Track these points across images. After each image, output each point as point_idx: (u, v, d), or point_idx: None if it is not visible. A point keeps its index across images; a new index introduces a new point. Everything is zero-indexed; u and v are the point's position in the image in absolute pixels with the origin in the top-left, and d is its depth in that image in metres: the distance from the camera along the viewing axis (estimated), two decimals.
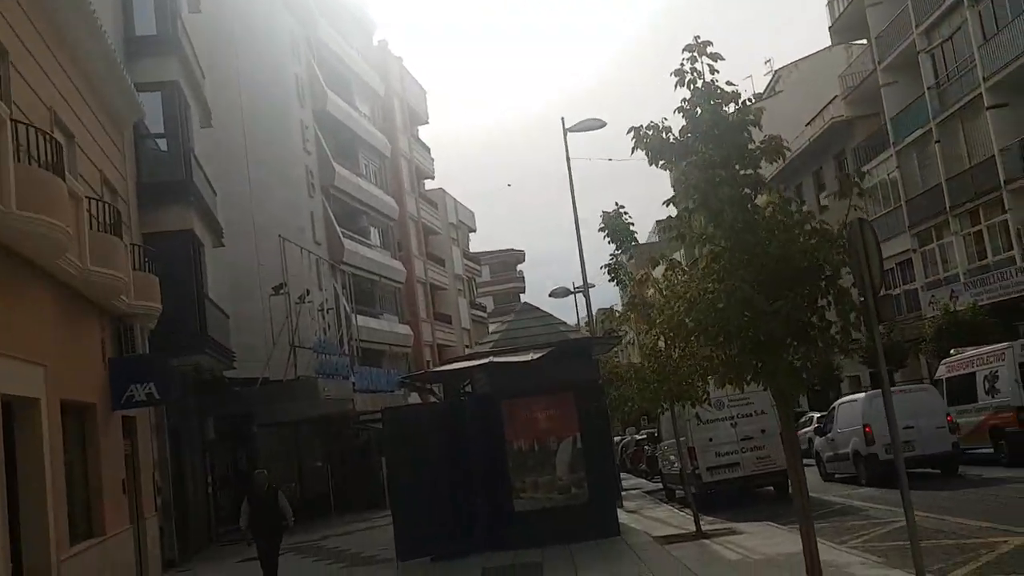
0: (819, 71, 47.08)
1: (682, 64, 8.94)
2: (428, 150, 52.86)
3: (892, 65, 35.12)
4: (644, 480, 32.02)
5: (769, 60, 58.87)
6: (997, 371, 19.73)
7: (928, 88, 32.12)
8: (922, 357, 34.28)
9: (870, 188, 8.75)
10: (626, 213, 13.88)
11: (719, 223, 7.54)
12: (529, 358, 13.93)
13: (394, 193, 43.77)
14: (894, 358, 32.69)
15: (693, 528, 14.27)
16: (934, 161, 32.31)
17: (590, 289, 26.22)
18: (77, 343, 13.32)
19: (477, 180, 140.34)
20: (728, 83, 8.85)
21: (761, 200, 8.35)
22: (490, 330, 29.81)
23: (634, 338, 14.87)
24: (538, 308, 16.93)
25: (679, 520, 17.13)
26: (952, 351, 22.39)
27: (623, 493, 20.73)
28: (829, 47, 46.21)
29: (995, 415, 19.64)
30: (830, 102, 41.45)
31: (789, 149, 8.80)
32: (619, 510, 16.79)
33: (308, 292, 27.43)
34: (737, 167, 8.26)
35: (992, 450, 20.01)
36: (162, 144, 20.69)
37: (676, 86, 8.91)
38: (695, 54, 8.86)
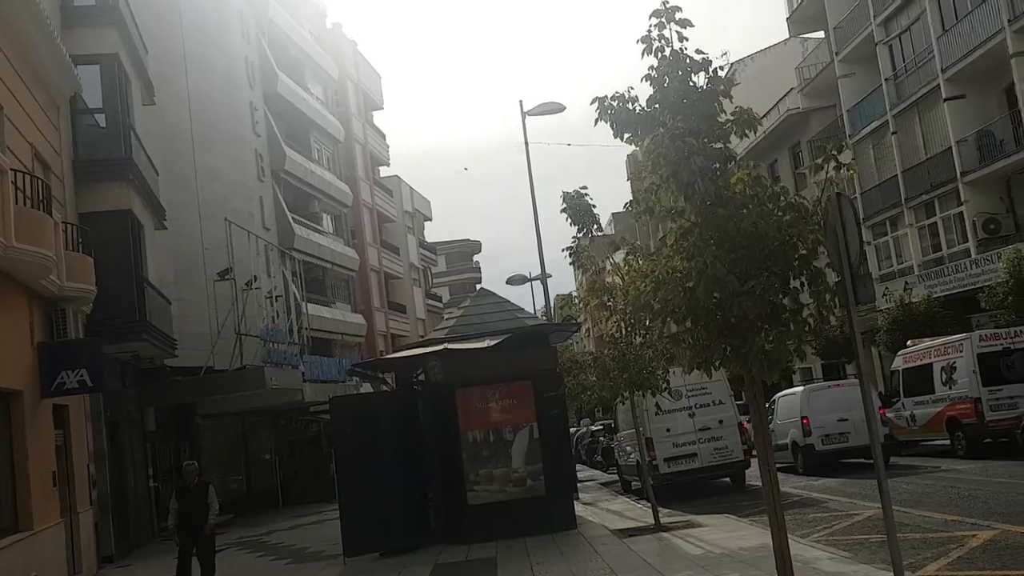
0: (775, 64, 47.09)
1: (649, 31, 8.41)
2: (383, 136, 51.95)
3: (849, 57, 35.11)
4: (599, 472, 31.70)
5: (725, 53, 58.53)
6: (955, 362, 19.63)
7: (885, 79, 32.13)
8: (874, 349, 34.46)
9: (848, 163, 8.28)
10: (587, 195, 13.31)
11: (689, 196, 7.03)
12: (485, 344, 13.38)
13: (347, 179, 42.86)
14: (846, 350, 32.80)
15: (652, 521, 13.84)
16: (890, 153, 32.35)
17: (548, 279, 25.81)
18: (1, 326, 12.46)
19: (434, 169, 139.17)
20: (698, 51, 8.36)
21: (731, 176, 7.88)
22: (445, 318, 29.25)
23: (590, 328, 14.37)
24: (495, 294, 16.37)
25: (636, 513, 16.73)
26: (909, 342, 22.31)
27: (578, 485, 20.30)
28: (785, 40, 46.26)
29: (952, 406, 19.55)
30: (786, 94, 41.42)
31: (761, 124, 8.30)
32: (575, 503, 16.33)
33: (256, 278, 26.53)
34: (707, 140, 7.79)
35: (948, 442, 19.93)
36: (101, 120, 19.73)
37: (643, 54, 8.38)
38: (663, 20, 8.34)
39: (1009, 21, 24.78)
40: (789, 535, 7.95)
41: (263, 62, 34.64)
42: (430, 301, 56.30)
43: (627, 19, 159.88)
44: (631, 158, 66.52)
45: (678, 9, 8.35)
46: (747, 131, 8.03)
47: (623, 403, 15.42)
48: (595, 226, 13.41)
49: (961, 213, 28.33)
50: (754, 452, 10.88)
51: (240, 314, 25.28)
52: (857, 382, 23.31)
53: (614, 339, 13.26)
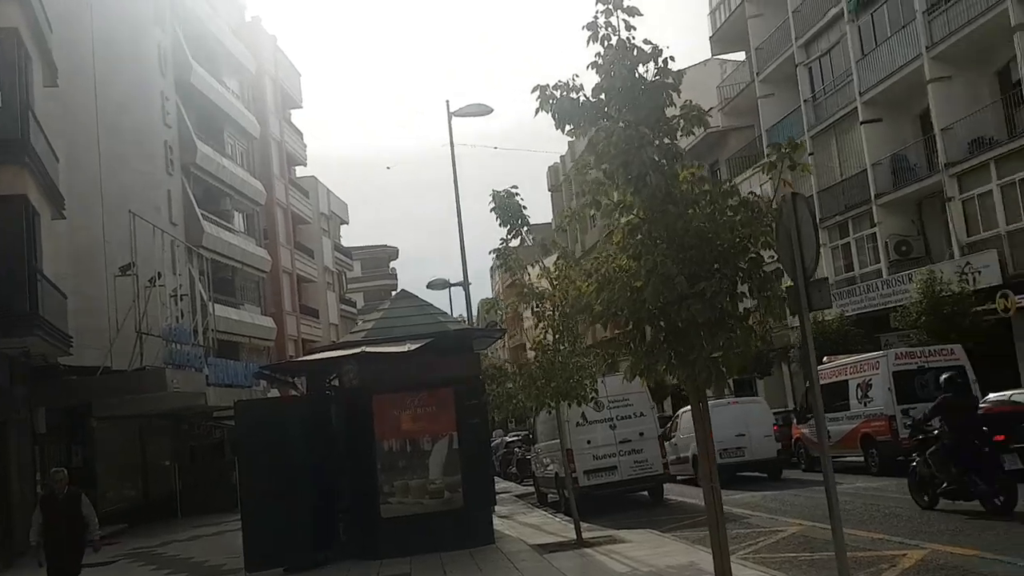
0: (696, 83, 47.35)
1: (595, 16, 7.98)
2: (301, 135, 50.62)
3: (770, 77, 35.65)
4: (514, 483, 31.20)
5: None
6: (871, 380, 19.79)
7: (804, 101, 32.68)
8: (785, 366, 34.93)
9: (801, 165, 7.90)
10: (518, 194, 12.84)
11: (639, 190, 6.57)
12: (405, 348, 12.70)
13: (262, 177, 41.48)
14: (759, 365, 33.19)
15: (573, 536, 13.37)
16: (806, 173, 32.87)
17: (470, 286, 25.19)
18: None
19: (354, 172, 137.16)
20: (646, 41, 7.94)
21: (678, 174, 7.48)
22: (359, 323, 28.37)
23: (506, 336, 13.84)
24: (417, 296, 15.69)
25: (556, 527, 16.25)
26: (825, 359, 22.48)
27: (496, 497, 19.76)
28: (706, 61, 46.82)
29: (867, 423, 19.69)
30: (707, 112, 41.83)
31: (710, 118, 7.92)
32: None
33: (160, 275, 25.19)
34: (653, 135, 7.37)
35: (862, 459, 20.06)
36: None
37: (588, 41, 7.95)
38: (610, 7, 7.91)
39: (927, 48, 25.39)
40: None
41: (176, 51, 33.20)
42: (344, 306, 55.05)
43: (557, 17, 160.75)
44: (552, 170, 66.56)
45: None
46: (695, 128, 7.66)
47: (549, 413, 14.91)
48: (525, 228, 12.97)
49: (874, 234, 28.90)
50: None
51: (142, 312, 23.94)
52: (756, 400, 24.38)
53: (541, 346, 12.79)
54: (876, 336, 27.20)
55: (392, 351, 12.93)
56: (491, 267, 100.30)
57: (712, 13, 41.36)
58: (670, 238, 6.55)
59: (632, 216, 6.79)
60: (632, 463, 18.68)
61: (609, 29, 7.84)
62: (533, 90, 8.02)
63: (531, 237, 13.59)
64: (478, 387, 14.16)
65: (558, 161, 66.67)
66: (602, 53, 7.72)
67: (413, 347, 12.81)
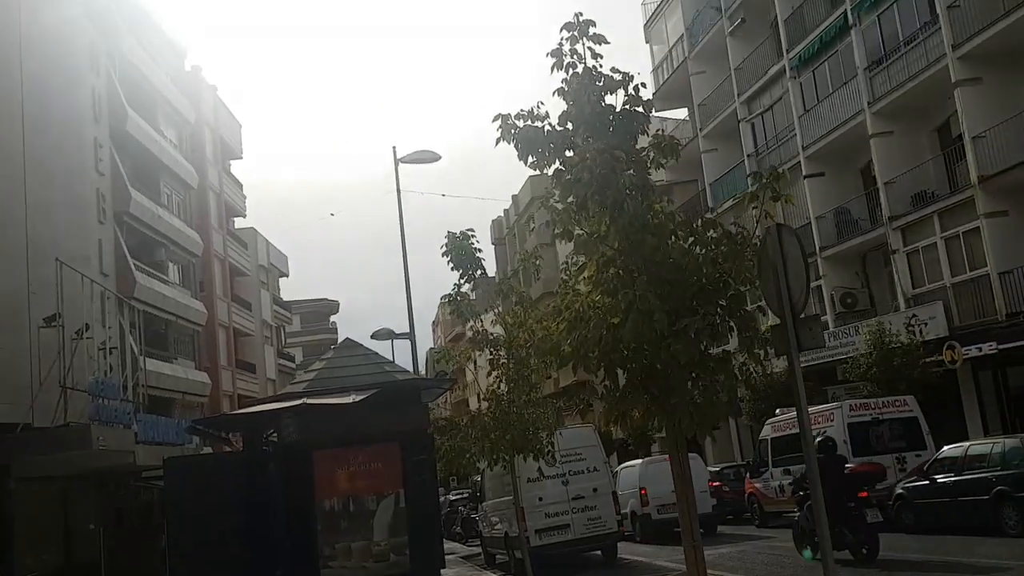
0: None
1: (560, 44, 7.56)
2: (240, 186, 49.57)
3: (713, 132, 36.05)
4: (458, 544, 30.13)
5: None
6: (825, 431, 19.43)
7: (748, 155, 32.99)
8: (732, 420, 34.68)
9: (784, 196, 7.51)
10: (474, 237, 12.31)
11: (615, 218, 6.05)
12: (350, 400, 11.86)
13: (199, 228, 40.33)
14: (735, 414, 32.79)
15: None
16: (751, 226, 33.04)
17: (411, 339, 24.42)
18: None
19: (296, 225, 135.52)
20: (614, 70, 7.53)
21: (654, 206, 7.01)
22: (296, 378, 27.32)
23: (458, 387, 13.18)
24: (361, 345, 14.84)
25: None
26: (778, 410, 22.18)
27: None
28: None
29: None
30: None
31: (680, 153, 7.48)
32: None
33: (88, 327, 23.89)
34: (627, 163, 6.90)
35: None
36: None
37: (553, 68, 7.51)
38: (575, 34, 7.50)
39: (869, 103, 25.78)
40: None
41: (112, 97, 32.23)
42: (282, 361, 53.57)
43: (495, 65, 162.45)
44: (495, 224, 66.40)
45: (591, 24, 7.53)
46: (665, 159, 7.21)
47: (504, 468, 14.15)
48: (479, 272, 12.42)
49: (819, 287, 28.98)
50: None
51: (67, 365, 22.58)
52: (691, 456, 25.56)
53: (495, 396, 12.15)
54: (823, 388, 27.08)
55: (335, 403, 12.09)
56: (432, 321, 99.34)
57: (655, 70, 41.90)
58: (648, 271, 6.02)
59: (606, 247, 6.26)
60: (586, 520, 17.97)
61: (575, 57, 7.43)
62: (494, 119, 7.52)
63: (483, 284, 13.04)
64: (427, 441, 13.35)
65: (502, 215, 66.64)
66: (568, 80, 7.28)
67: (358, 398, 11.97)
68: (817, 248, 28.64)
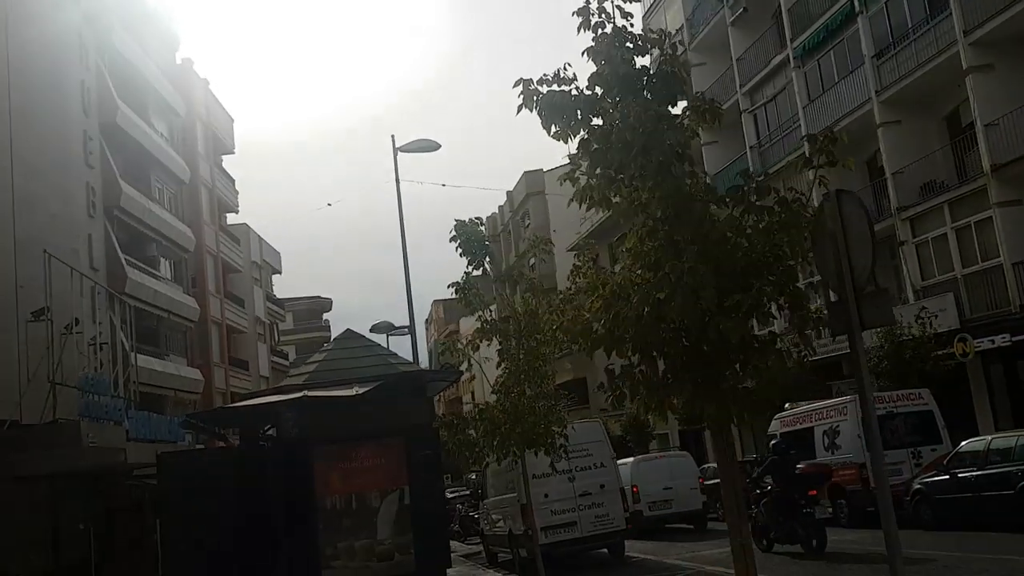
0: None
1: (587, 1, 6.98)
2: (233, 181, 48.87)
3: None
4: (456, 542, 29.54)
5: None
6: (838, 426, 18.99)
7: (750, 147, 32.48)
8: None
9: (841, 160, 6.97)
10: (482, 225, 11.77)
11: (660, 182, 5.47)
12: (353, 392, 11.29)
13: (191, 223, 39.65)
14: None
15: None
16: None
17: (406, 337, 23.86)
18: None
19: (287, 221, 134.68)
20: (649, 30, 6.98)
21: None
22: (290, 374, 26.70)
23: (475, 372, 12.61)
24: (363, 336, 14.27)
25: None
26: (787, 404, 21.67)
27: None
28: None
29: (835, 472, 18.77)
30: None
31: (722, 117, 6.90)
32: None
33: (77, 321, 23.26)
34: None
35: (831, 510, 19.07)
36: None
37: (580, 28, 6.93)
38: None
39: (877, 92, 25.28)
40: None
41: (102, 90, 31.57)
42: (275, 358, 52.91)
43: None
44: (490, 220, 65.83)
45: None
46: (706, 123, 6.64)
47: (515, 462, 13.55)
48: (487, 259, 11.85)
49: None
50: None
51: (56, 361, 21.95)
52: (682, 454, 25.65)
53: (504, 387, 11.59)
54: (828, 384, 26.59)
55: (338, 395, 11.51)
56: (426, 319, 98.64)
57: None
58: (695, 242, 5.46)
59: (647, 216, 5.68)
60: (593, 518, 17.42)
61: (603, 16, 6.86)
62: (515, 84, 6.94)
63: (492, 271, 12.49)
64: (432, 435, 12.79)
65: (496, 212, 66.10)
66: (597, 39, 6.71)
67: (361, 390, 11.40)
68: None
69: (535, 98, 6.86)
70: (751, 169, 32.01)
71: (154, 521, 24.30)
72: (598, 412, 44.73)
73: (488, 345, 11.86)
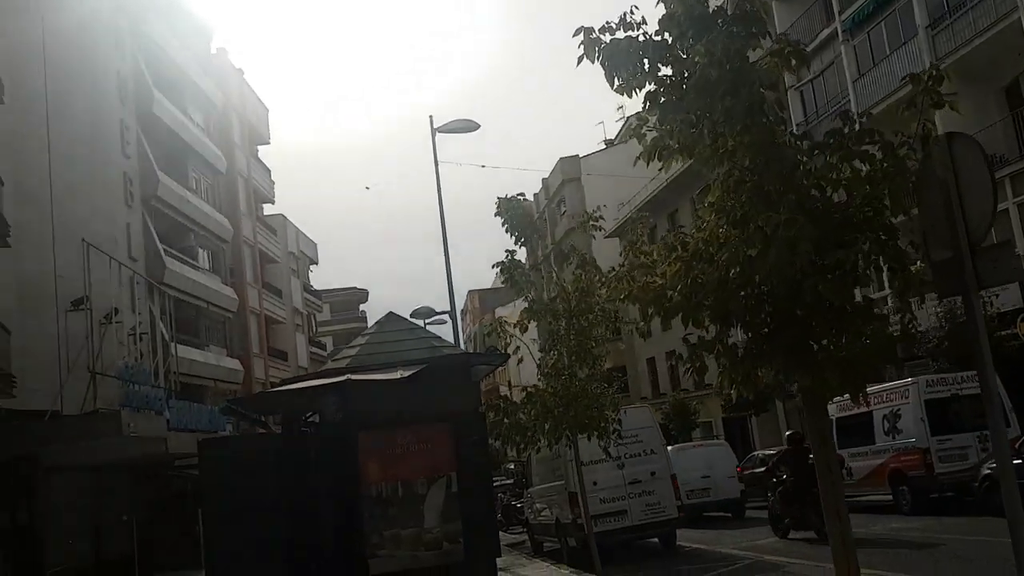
0: None
1: None
2: (268, 172, 48.77)
3: None
4: (500, 532, 29.15)
5: (622, 107, 58.74)
6: (899, 409, 18.19)
7: (797, 124, 31.49)
8: (778, 401, 33.31)
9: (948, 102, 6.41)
10: (526, 200, 11.24)
11: (749, 127, 4.88)
12: (398, 375, 10.82)
13: (228, 213, 39.56)
14: (755, 404, 31.71)
15: None
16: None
17: (444, 325, 23.50)
18: None
19: (322, 216, 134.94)
20: None
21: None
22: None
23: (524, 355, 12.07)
24: (405, 319, 13.81)
25: None
26: None
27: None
28: None
29: (896, 457, 18.05)
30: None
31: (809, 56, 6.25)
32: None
33: (117, 311, 23.14)
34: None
35: (891, 497, 18.35)
36: None
37: None
38: None
39: (932, 64, 24.27)
40: None
41: (138, 79, 31.44)
42: (314, 349, 52.86)
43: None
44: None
45: None
46: (790, 69, 6.01)
47: (568, 447, 13.03)
48: (535, 236, 11.30)
49: (879, 259, 27.56)
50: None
51: (96, 350, 21.82)
52: (720, 443, 25.04)
53: (555, 370, 11.06)
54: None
55: (382, 378, 11.05)
56: (461, 309, 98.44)
57: None
58: (788, 191, 4.86)
59: (732, 165, 5.09)
60: (643, 506, 16.87)
61: None
62: (575, 33, 6.35)
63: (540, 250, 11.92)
64: (479, 420, 12.30)
65: (531, 199, 65.50)
66: None
67: (406, 374, 10.93)
68: None
69: (596, 48, 6.27)
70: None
71: (196, 511, 24.20)
72: (639, 400, 44.09)
73: (534, 327, 11.34)
